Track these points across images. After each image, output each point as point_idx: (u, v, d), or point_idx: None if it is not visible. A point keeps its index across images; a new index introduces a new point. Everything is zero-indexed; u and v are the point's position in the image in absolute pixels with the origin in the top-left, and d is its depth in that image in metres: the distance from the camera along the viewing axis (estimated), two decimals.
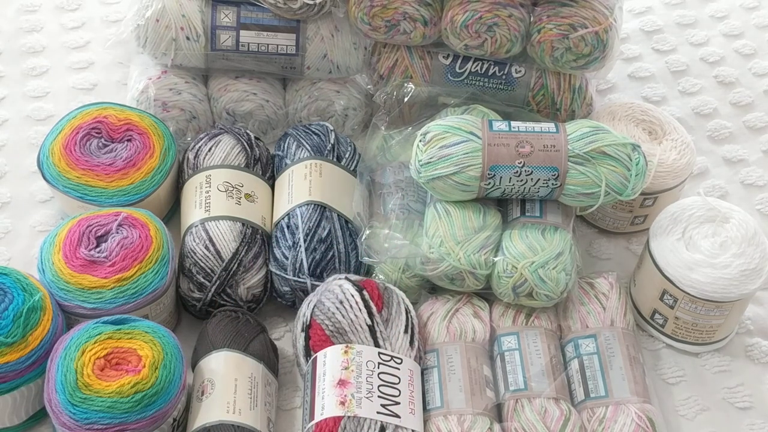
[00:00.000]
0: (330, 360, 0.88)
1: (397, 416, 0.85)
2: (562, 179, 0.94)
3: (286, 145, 1.10)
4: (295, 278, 0.97)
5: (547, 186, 0.94)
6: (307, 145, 1.07)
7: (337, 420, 0.84)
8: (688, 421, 0.96)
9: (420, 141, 0.95)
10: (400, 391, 0.87)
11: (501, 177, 0.94)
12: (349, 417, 0.84)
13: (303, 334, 0.92)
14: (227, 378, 0.89)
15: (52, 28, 1.36)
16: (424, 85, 1.11)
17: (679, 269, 0.95)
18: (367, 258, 0.98)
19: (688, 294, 0.94)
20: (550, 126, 0.96)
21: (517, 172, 0.94)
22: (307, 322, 0.92)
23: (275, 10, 1.07)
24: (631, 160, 0.94)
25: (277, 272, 0.98)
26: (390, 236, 0.97)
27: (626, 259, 1.10)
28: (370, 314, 0.90)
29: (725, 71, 1.33)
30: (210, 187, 1.03)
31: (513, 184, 0.94)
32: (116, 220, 0.96)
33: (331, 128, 1.10)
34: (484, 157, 0.93)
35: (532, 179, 0.94)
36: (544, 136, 0.94)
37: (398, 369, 0.89)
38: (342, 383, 0.86)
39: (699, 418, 0.96)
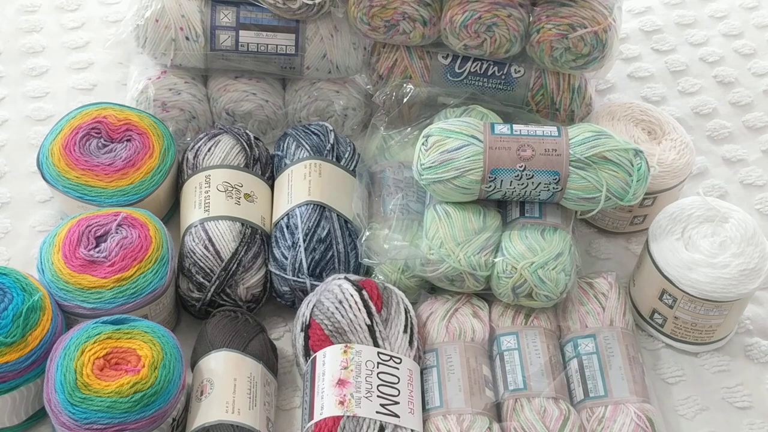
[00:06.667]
0: (329, 360, 0.88)
1: (397, 416, 0.85)
2: (563, 183, 0.94)
3: (285, 145, 1.10)
4: (295, 278, 0.97)
5: (548, 190, 0.94)
6: (306, 145, 1.07)
7: (336, 420, 0.84)
8: (687, 421, 0.96)
9: (422, 144, 0.95)
10: (399, 391, 0.87)
11: (502, 180, 0.94)
12: (348, 417, 0.84)
13: (302, 334, 0.92)
14: (226, 378, 0.89)
15: (52, 28, 1.36)
16: (424, 85, 1.11)
17: (678, 269, 0.95)
18: (367, 259, 0.98)
19: (688, 294, 0.94)
20: (552, 129, 0.95)
21: (518, 175, 0.93)
22: (307, 322, 0.92)
23: (275, 10, 1.07)
24: (632, 165, 0.94)
25: (277, 272, 0.98)
26: (390, 237, 0.97)
27: (625, 259, 1.10)
28: (370, 314, 0.90)
29: (725, 71, 1.33)
30: (209, 187, 1.03)
31: (514, 188, 0.94)
32: (116, 220, 0.96)
33: (331, 128, 1.10)
34: (485, 160, 0.93)
35: (533, 183, 0.94)
36: (545, 140, 0.94)
37: (397, 369, 0.89)
38: (341, 383, 0.86)
39: (698, 418, 0.96)
